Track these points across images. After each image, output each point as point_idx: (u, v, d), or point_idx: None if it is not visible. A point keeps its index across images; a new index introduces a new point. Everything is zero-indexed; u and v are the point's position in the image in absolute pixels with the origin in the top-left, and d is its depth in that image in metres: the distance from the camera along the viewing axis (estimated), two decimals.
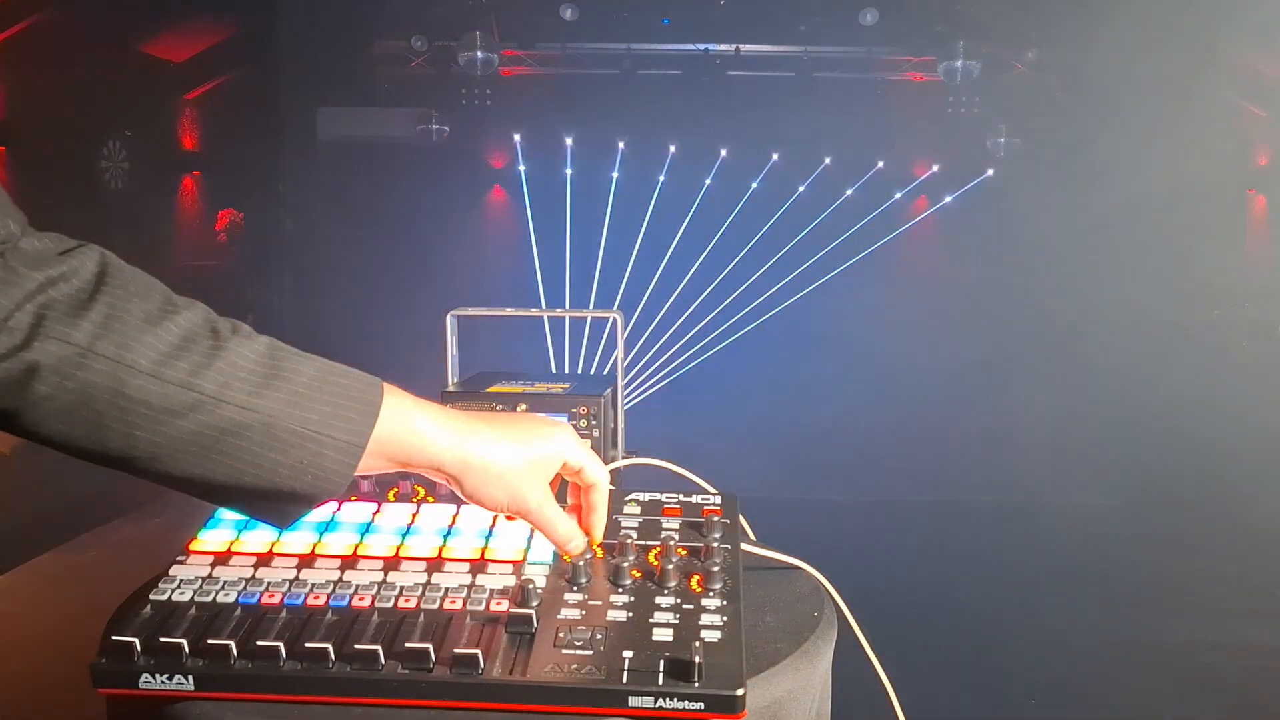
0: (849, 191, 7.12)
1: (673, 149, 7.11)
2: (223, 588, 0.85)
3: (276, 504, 0.73)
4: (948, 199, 7.15)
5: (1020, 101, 6.86)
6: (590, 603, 0.84)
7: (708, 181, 7.14)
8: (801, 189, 7.12)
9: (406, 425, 0.76)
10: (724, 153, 7.13)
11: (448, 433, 0.79)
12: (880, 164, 7.10)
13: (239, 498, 0.73)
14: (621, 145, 7.11)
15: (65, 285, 0.65)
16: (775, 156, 7.13)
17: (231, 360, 0.69)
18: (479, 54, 6.87)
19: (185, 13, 6.38)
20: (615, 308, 1.74)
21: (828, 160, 7.10)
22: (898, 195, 7.16)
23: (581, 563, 0.87)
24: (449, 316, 1.49)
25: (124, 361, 0.65)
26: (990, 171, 7.03)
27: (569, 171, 7.15)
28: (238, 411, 0.68)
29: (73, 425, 0.66)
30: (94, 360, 0.64)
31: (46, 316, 0.64)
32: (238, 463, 0.69)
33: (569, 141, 7.10)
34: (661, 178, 7.13)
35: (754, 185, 7.15)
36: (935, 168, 7.15)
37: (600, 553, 0.92)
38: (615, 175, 7.13)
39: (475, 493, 0.81)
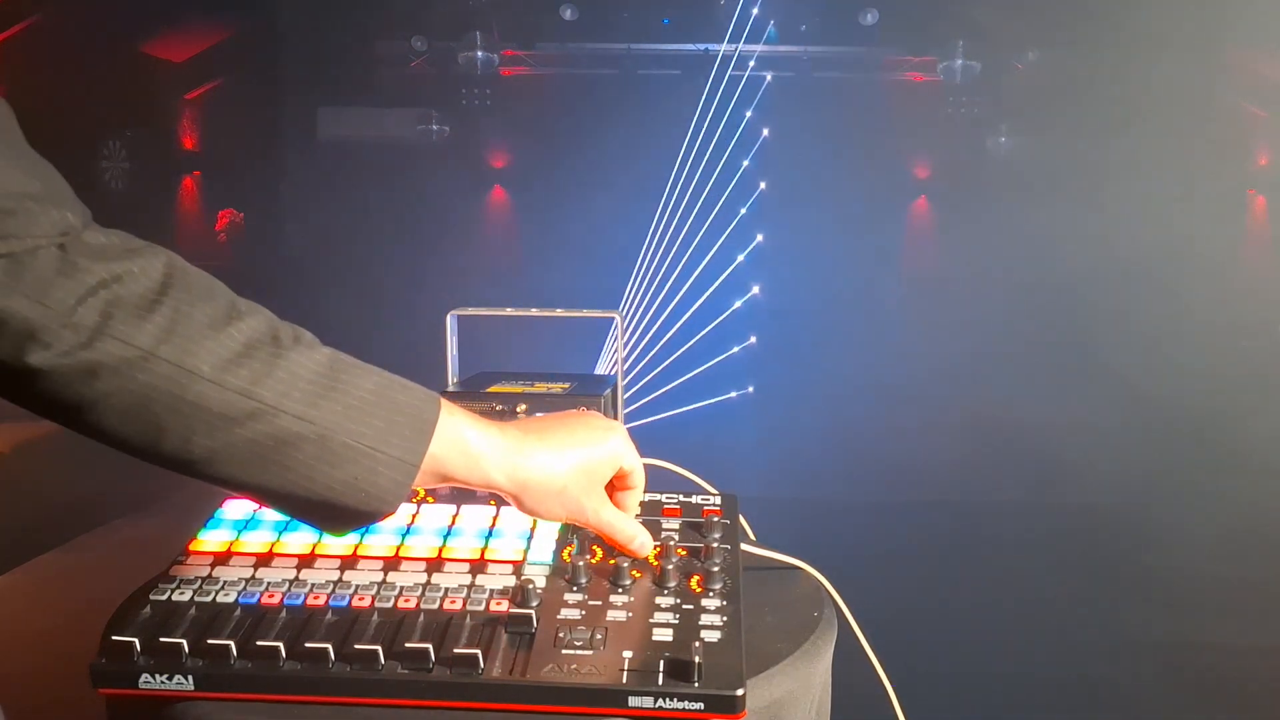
0: (848, 193, 7.10)
1: (671, 148, 7.10)
2: (223, 588, 0.85)
3: (330, 517, 0.74)
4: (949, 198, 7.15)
5: (1020, 101, 6.86)
6: (590, 603, 0.84)
7: (711, 178, 7.13)
8: (823, 190, 7.11)
9: (460, 444, 0.76)
10: (722, 152, 7.11)
11: (502, 451, 0.79)
12: (882, 165, 7.09)
13: (293, 506, 0.73)
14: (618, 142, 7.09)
15: (133, 284, 0.65)
16: (768, 156, 7.11)
17: (291, 369, 0.69)
18: (479, 54, 6.88)
19: (185, 13, 6.37)
20: (607, 307, 1.74)
21: (831, 160, 7.10)
22: (898, 193, 7.16)
23: (581, 563, 0.87)
24: (449, 316, 1.49)
25: (185, 367, 0.65)
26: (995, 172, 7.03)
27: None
28: (294, 422, 0.68)
29: (130, 425, 0.66)
30: (155, 364, 0.64)
31: (112, 316, 0.63)
32: (292, 473, 0.69)
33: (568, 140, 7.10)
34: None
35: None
36: (934, 168, 7.14)
37: (654, 556, 0.92)
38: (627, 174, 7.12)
39: (534, 509, 0.83)
